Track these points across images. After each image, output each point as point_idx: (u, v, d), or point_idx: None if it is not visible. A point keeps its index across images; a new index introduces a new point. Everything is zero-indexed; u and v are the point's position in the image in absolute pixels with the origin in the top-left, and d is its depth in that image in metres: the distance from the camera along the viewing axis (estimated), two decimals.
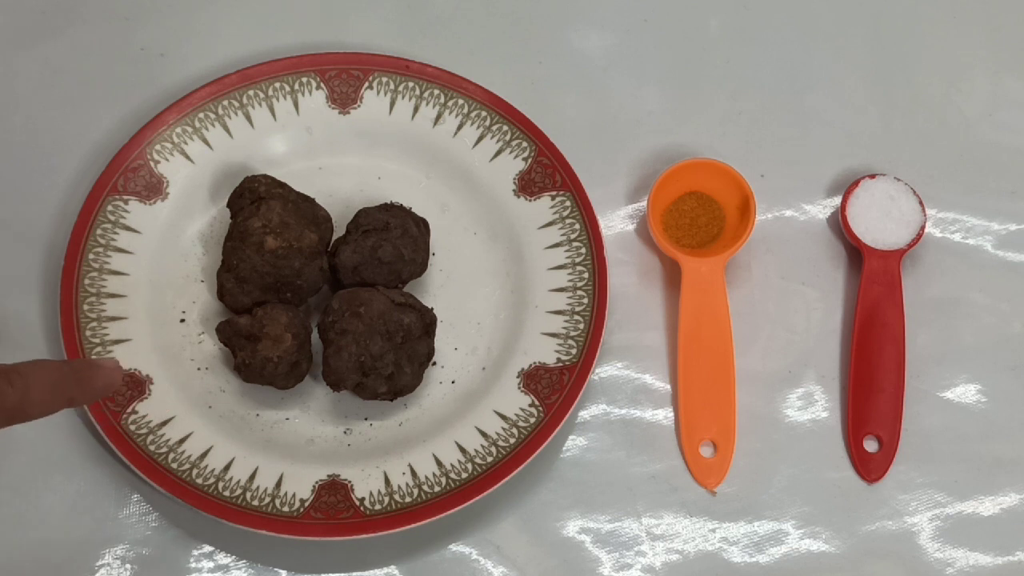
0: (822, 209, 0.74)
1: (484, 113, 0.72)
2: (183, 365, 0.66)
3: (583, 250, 0.69)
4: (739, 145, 0.76)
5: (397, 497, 0.62)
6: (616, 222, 0.73)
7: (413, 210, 0.68)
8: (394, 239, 0.66)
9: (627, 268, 0.72)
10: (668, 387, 0.69)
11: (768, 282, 0.72)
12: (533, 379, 0.66)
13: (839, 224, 0.73)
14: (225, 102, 0.72)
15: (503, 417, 0.65)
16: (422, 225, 0.68)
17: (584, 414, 0.68)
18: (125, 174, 0.69)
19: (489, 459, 0.63)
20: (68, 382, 0.49)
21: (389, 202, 0.68)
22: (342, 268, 0.66)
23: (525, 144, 0.72)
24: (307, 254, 0.65)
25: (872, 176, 0.73)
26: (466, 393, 0.67)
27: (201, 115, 0.71)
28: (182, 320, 0.68)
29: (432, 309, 0.65)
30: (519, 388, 0.66)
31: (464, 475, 0.63)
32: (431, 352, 0.64)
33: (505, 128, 0.72)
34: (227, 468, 0.63)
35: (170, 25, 0.78)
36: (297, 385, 0.65)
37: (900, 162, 0.75)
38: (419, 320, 0.63)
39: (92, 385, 0.50)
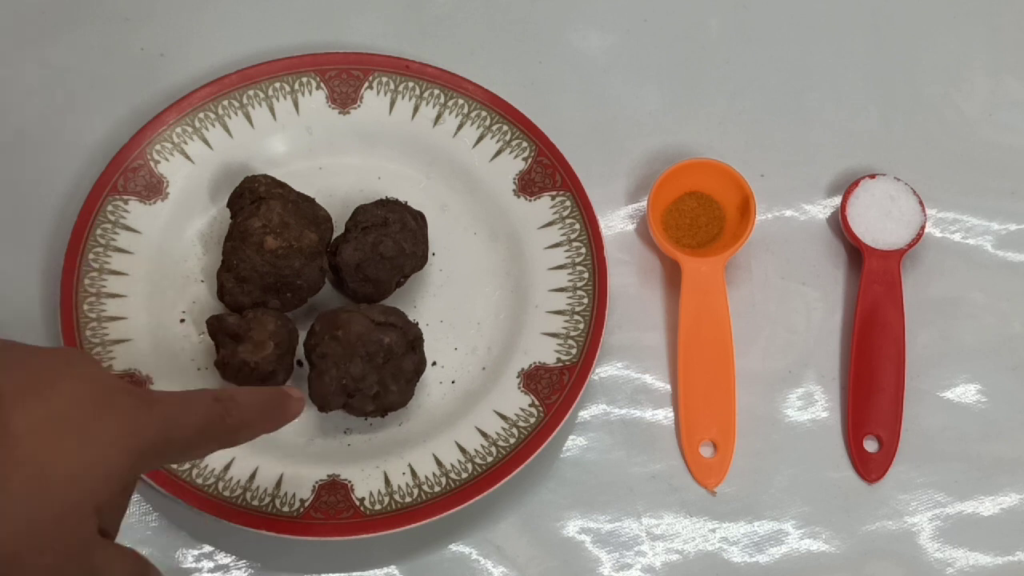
0: (822, 209, 0.74)
1: (484, 113, 0.72)
2: (183, 365, 0.66)
3: (583, 250, 0.69)
4: (739, 145, 0.76)
5: (397, 497, 0.62)
6: (616, 222, 0.73)
7: (409, 204, 0.68)
8: (394, 234, 0.66)
9: (627, 268, 0.72)
10: (668, 387, 0.69)
11: (768, 282, 0.72)
12: (533, 379, 0.66)
13: (839, 224, 0.73)
14: (225, 102, 0.72)
15: (503, 417, 0.65)
16: (419, 218, 0.68)
17: (584, 414, 0.68)
18: (125, 174, 0.69)
19: (489, 459, 0.63)
20: (267, 409, 0.52)
21: (385, 197, 0.68)
22: (345, 266, 0.65)
23: (525, 144, 0.72)
24: (307, 254, 0.65)
25: (872, 176, 0.73)
26: (466, 393, 0.67)
27: (201, 115, 0.71)
28: (182, 320, 0.68)
29: (417, 324, 0.64)
30: (519, 388, 0.66)
31: (464, 475, 0.63)
32: (420, 367, 0.64)
33: (505, 128, 0.72)
34: (227, 468, 0.63)
35: (170, 25, 0.78)
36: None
37: (900, 162, 0.75)
38: (401, 338, 0.63)
39: (286, 413, 0.53)
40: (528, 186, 0.71)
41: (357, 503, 0.62)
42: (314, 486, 0.63)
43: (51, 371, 0.45)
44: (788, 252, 0.73)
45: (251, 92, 0.72)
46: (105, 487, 0.44)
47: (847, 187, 0.73)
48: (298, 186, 0.68)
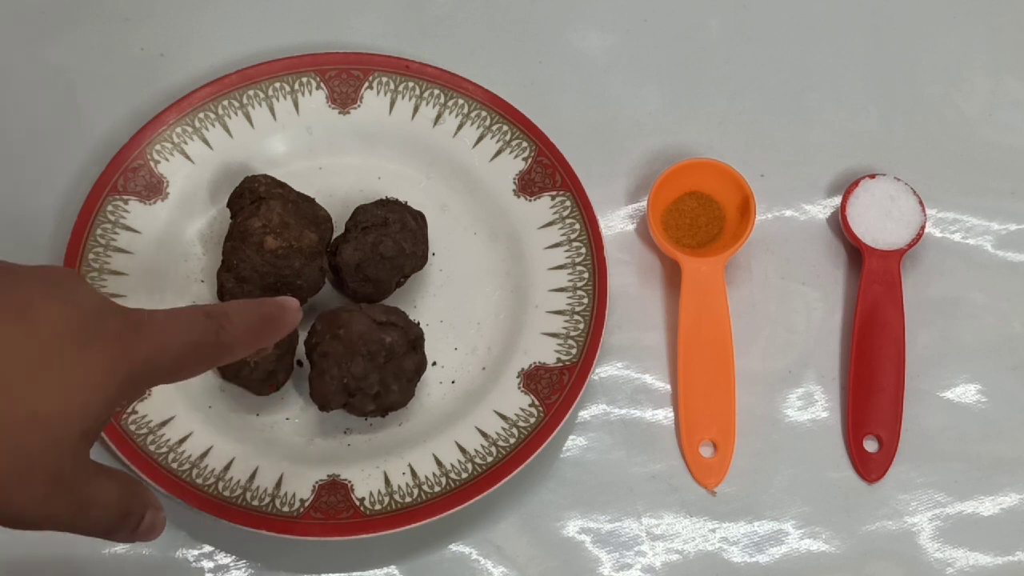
0: (822, 209, 0.74)
1: (484, 113, 0.72)
2: None
3: (583, 250, 0.69)
4: (739, 145, 0.76)
5: (397, 497, 0.62)
6: (616, 222, 0.73)
7: (409, 204, 0.68)
8: (394, 234, 0.66)
9: (627, 268, 0.72)
10: (668, 387, 0.69)
11: (768, 282, 0.72)
12: (533, 379, 0.66)
13: (839, 224, 0.73)
14: (225, 102, 0.72)
15: (503, 417, 0.65)
16: (419, 218, 0.68)
17: (584, 414, 0.68)
18: (125, 174, 0.69)
19: (489, 459, 0.63)
20: (262, 323, 0.49)
21: (385, 197, 0.68)
22: (344, 266, 0.65)
23: (525, 144, 0.72)
24: (307, 254, 0.65)
25: (872, 176, 0.73)
26: (466, 393, 0.67)
27: (201, 115, 0.71)
28: None
29: (418, 324, 0.65)
30: (519, 388, 0.66)
31: (464, 475, 0.63)
32: (421, 366, 0.64)
33: (505, 128, 0.72)
34: (227, 468, 0.63)
35: (170, 25, 0.78)
36: (286, 389, 0.66)
37: (900, 162, 0.75)
38: (403, 337, 0.63)
39: (281, 326, 0.50)
40: (528, 186, 0.71)
41: (357, 503, 0.62)
42: (314, 486, 0.63)
43: (32, 293, 0.43)
44: (788, 252, 0.73)
45: (251, 92, 0.72)
46: (92, 415, 0.43)
47: (847, 187, 0.73)
48: (298, 186, 0.68)
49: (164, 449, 0.63)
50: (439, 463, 0.64)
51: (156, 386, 0.46)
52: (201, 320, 0.47)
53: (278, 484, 0.62)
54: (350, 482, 0.63)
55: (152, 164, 0.70)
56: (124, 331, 0.44)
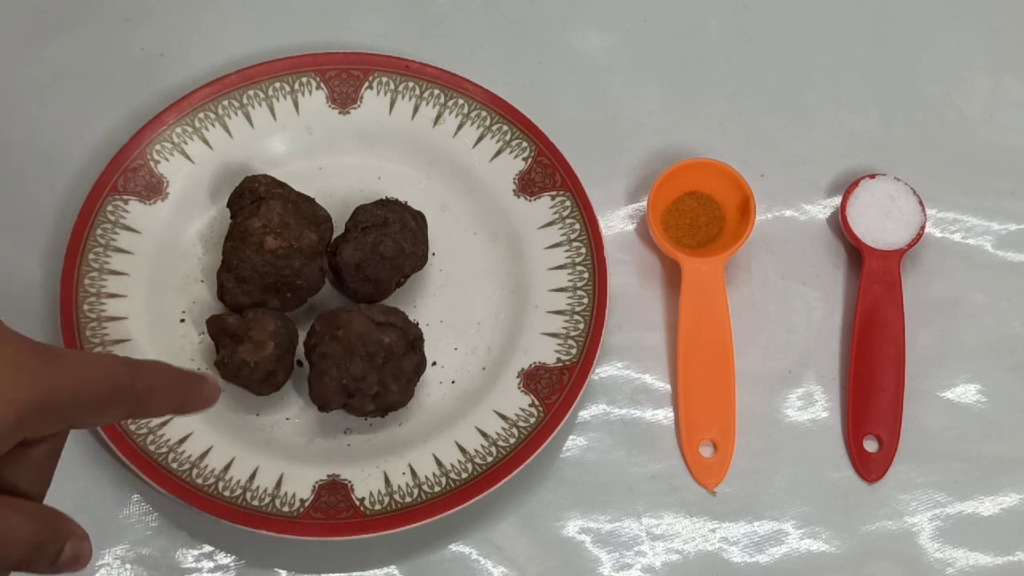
0: (822, 209, 0.74)
1: (484, 113, 0.72)
2: (183, 365, 0.65)
3: (583, 250, 0.69)
4: (739, 145, 0.76)
5: (397, 497, 0.62)
6: (616, 222, 0.73)
7: (409, 204, 0.68)
8: (394, 234, 0.66)
9: (627, 268, 0.72)
10: (668, 387, 0.69)
11: (768, 282, 0.72)
12: (533, 379, 0.66)
13: (839, 224, 0.73)
14: (225, 102, 0.72)
15: (503, 417, 0.65)
16: (419, 218, 0.68)
17: (584, 414, 0.68)
18: (125, 174, 0.69)
19: (489, 459, 0.63)
20: (182, 387, 0.48)
21: (385, 197, 0.68)
22: (344, 266, 0.65)
23: (525, 144, 0.72)
24: (307, 254, 0.65)
25: (872, 176, 0.73)
26: (466, 393, 0.67)
27: (201, 115, 0.71)
28: (182, 320, 0.68)
29: (417, 324, 0.65)
30: (519, 388, 0.66)
31: (464, 475, 0.63)
32: (420, 366, 0.64)
33: (505, 128, 0.72)
34: (227, 468, 0.63)
35: (170, 25, 0.78)
36: (286, 389, 0.66)
37: (900, 162, 0.75)
38: (402, 338, 0.63)
39: (200, 395, 0.49)
40: (528, 186, 0.71)
41: (357, 503, 0.62)
42: (314, 486, 0.63)
43: None
44: (788, 252, 0.73)
45: (251, 92, 0.72)
46: None
47: (847, 187, 0.73)
48: (298, 186, 0.68)
49: (164, 449, 0.63)
50: (439, 463, 0.64)
51: (66, 427, 0.45)
52: (117, 364, 0.45)
53: (278, 484, 0.62)
54: (350, 482, 0.63)
55: (152, 164, 0.70)
56: (32, 360, 0.42)
